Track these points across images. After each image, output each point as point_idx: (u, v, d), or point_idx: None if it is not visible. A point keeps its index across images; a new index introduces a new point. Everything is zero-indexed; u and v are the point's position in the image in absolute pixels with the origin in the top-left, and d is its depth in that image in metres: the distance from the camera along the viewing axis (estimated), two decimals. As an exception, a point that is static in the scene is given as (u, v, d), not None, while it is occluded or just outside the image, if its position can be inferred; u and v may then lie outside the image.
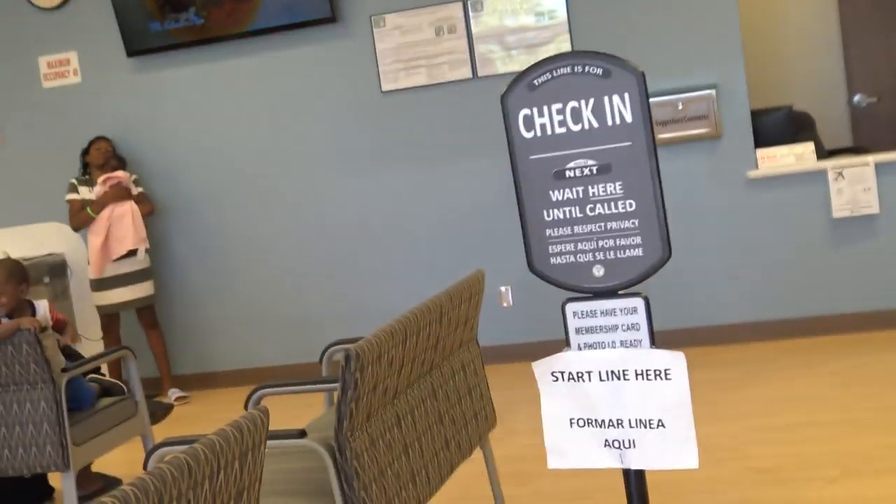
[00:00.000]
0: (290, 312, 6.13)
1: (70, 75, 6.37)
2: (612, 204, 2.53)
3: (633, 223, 2.52)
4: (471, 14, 5.67)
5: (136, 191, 6.01)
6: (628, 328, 2.57)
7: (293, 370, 5.91)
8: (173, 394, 6.09)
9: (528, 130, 2.57)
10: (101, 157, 5.98)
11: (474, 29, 5.67)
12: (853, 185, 5.27)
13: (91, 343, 6.10)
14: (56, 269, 6.32)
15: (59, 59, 6.36)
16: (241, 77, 6.07)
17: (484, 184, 5.86)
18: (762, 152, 5.90)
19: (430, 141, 5.83)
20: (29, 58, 6.42)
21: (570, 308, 2.63)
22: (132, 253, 5.87)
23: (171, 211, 6.25)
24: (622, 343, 2.57)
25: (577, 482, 3.90)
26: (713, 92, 5.76)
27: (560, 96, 2.55)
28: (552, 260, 2.61)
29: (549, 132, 2.55)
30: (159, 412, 5.53)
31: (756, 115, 6.08)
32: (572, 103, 2.53)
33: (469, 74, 5.75)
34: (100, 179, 5.96)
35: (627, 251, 2.54)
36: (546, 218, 2.59)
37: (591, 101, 2.52)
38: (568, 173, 2.55)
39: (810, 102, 6.90)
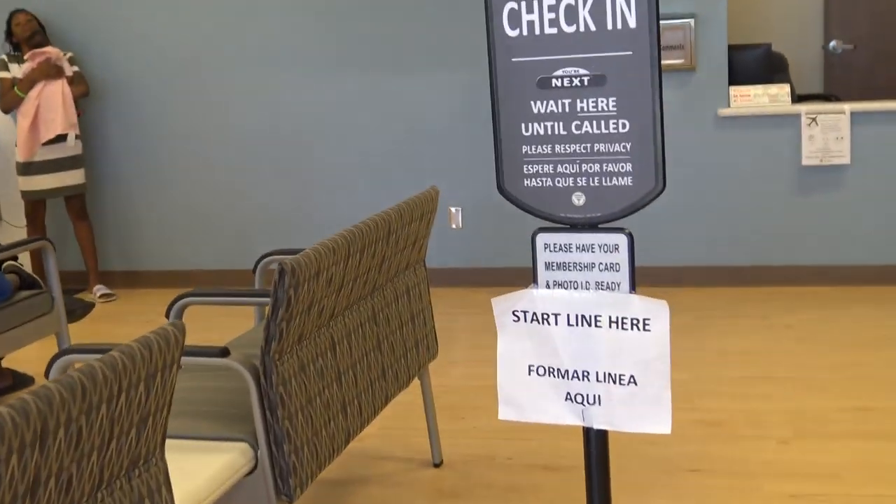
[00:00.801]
0: (229, 215, 5.66)
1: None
2: (603, 122, 2.11)
3: (625, 147, 2.09)
4: None
5: (69, 70, 5.40)
6: (607, 268, 2.16)
7: (226, 277, 5.47)
8: (98, 290, 5.62)
9: (512, 28, 2.12)
10: (24, 30, 5.31)
11: None
12: (826, 132, 4.96)
13: (14, 230, 5.61)
14: (-19, 151, 5.80)
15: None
16: None
17: (447, 96, 5.45)
18: (735, 90, 5.53)
19: (393, 44, 5.35)
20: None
21: (541, 239, 2.20)
22: (61, 138, 5.32)
23: (107, 95, 5.65)
24: (598, 285, 2.16)
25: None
26: (691, 21, 5.36)
27: None
28: (526, 182, 2.18)
29: (536, 31, 2.11)
30: (79, 310, 5.09)
31: (732, 51, 5.71)
32: (567, 0, 2.11)
33: None
34: (27, 55, 5.36)
35: (614, 179, 2.12)
36: (524, 133, 2.16)
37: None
38: (554, 82, 2.11)
39: (785, 44, 6.45)
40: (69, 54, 5.44)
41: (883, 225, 5.04)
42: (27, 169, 5.35)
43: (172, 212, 5.74)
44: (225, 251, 5.66)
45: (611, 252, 2.21)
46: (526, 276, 2.25)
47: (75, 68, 5.45)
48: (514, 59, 2.16)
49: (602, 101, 2.11)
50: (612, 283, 2.19)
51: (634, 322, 2.13)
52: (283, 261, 2.76)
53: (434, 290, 5.07)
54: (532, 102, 2.16)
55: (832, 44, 6.46)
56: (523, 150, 2.19)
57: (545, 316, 2.24)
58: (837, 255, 5.18)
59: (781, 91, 5.33)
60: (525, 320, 2.25)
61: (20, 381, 4.59)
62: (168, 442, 2.21)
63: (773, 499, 3.18)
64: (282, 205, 5.56)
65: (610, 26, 2.08)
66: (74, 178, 5.39)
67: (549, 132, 2.16)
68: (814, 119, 4.94)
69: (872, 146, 4.99)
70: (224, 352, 2.85)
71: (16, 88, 5.26)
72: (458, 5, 5.21)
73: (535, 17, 2.13)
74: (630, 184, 2.13)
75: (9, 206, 5.66)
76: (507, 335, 2.26)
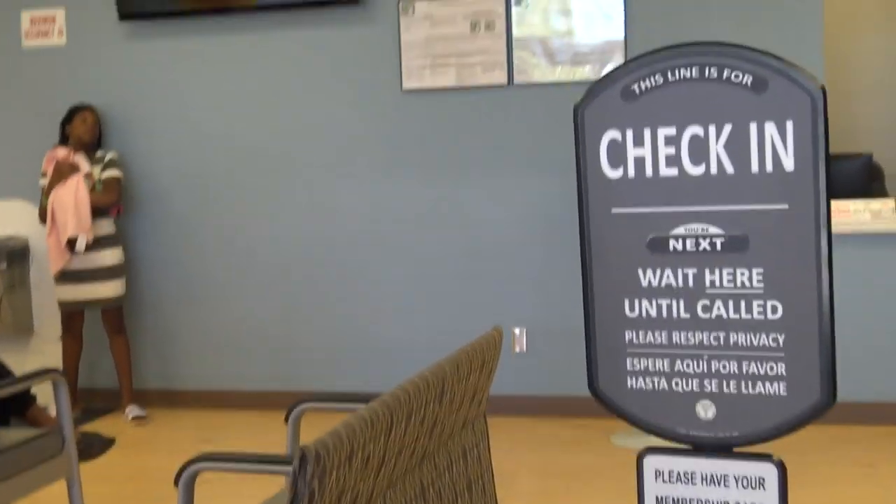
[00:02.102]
0: (273, 333, 5.01)
1: (54, 35, 5.13)
2: (744, 304, 1.43)
3: (776, 340, 1.41)
4: (513, 8, 4.64)
5: (87, 167, 4.77)
6: None
7: (269, 399, 4.77)
8: (130, 412, 4.93)
9: (614, 166, 1.46)
10: (86, 128, 4.76)
11: (515, 28, 4.65)
12: None
13: (48, 344, 5.07)
14: (15, 255, 5.17)
15: (44, 15, 5.11)
16: (243, 57, 4.99)
17: (508, 208, 4.79)
18: (833, 205, 4.78)
19: (451, 153, 4.71)
20: (9, 12, 5.12)
21: (651, 463, 1.48)
22: (73, 243, 4.61)
23: (150, 201, 5.06)
24: None
25: None
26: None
27: (674, 115, 1.44)
28: (630, 382, 1.49)
29: (648, 173, 1.45)
30: (96, 446, 4.40)
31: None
32: (693, 129, 1.42)
33: (504, 80, 4.69)
34: (48, 159, 4.77)
35: (759, 385, 1.42)
36: (628, 313, 1.48)
37: (728, 127, 1.41)
38: (673, 244, 1.44)
39: (880, 152, 5.50)
40: (110, 156, 4.81)
41: None
42: (64, 277, 4.76)
43: (212, 328, 5.07)
44: (266, 372, 4.98)
45: (753, 488, 1.49)
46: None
47: (113, 172, 4.82)
48: (615, 210, 1.47)
49: (743, 274, 1.42)
50: None
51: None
52: (306, 447, 2.09)
53: (494, 419, 4.37)
54: (641, 271, 1.47)
55: None
56: (627, 338, 1.49)
57: (657, 571, 1.54)
58: None
59: (885, 206, 4.48)
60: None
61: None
62: None
63: None
64: (328, 325, 4.85)
65: (756, 168, 1.40)
66: (111, 289, 4.77)
67: (666, 314, 1.47)
68: None
69: None
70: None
71: (42, 196, 4.73)
72: (528, 112, 4.58)
73: (646, 151, 1.45)
74: (783, 393, 1.42)
75: (42, 317, 5.15)
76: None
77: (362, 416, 2.18)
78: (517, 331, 4.87)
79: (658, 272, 1.46)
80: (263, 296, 5.01)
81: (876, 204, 4.65)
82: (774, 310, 1.41)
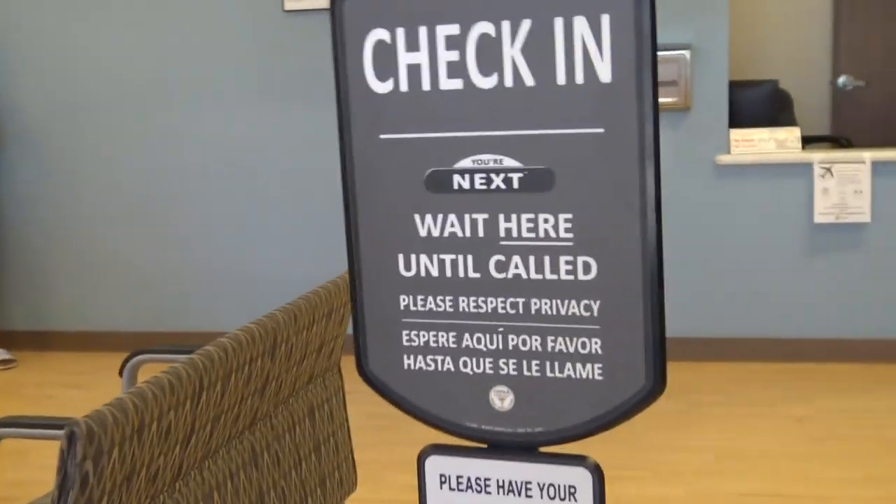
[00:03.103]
0: (148, 271, 4.63)
1: None
2: (549, 260, 1.04)
3: (589, 308, 1.03)
4: None
5: None
6: None
7: (144, 339, 4.20)
8: None
9: (382, 78, 1.06)
10: None
11: None
12: (843, 185, 3.96)
13: None
14: None
15: None
16: None
17: None
18: (737, 133, 4.43)
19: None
20: None
21: (435, 465, 1.10)
22: None
23: (16, 134, 4.61)
24: None
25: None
26: (686, 54, 4.36)
27: (458, 8, 1.03)
28: (406, 361, 1.10)
29: (425, 86, 1.05)
30: None
31: (732, 88, 4.66)
32: (482, 26, 1.02)
33: None
34: None
35: (569, 367, 1.04)
36: (403, 272, 1.09)
37: (527, 24, 1.01)
38: (459, 181, 1.05)
39: (788, 80, 5.17)
40: None
41: None
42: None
43: (86, 266, 4.65)
44: (141, 309, 4.62)
45: (562, 499, 1.09)
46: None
47: None
48: (384, 137, 1.07)
49: (547, 221, 1.04)
50: None
51: None
52: (76, 422, 1.70)
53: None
54: (418, 217, 1.08)
55: (841, 79, 5.38)
56: (402, 303, 1.10)
57: None
58: (857, 327, 4.12)
59: (791, 135, 4.13)
60: None
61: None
62: None
63: None
64: (206, 258, 4.50)
65: (563, 79, 1.01)
66: None
67: (450, 273, 1.08)
68: (828, 169, 3.94)
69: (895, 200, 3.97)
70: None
71: None
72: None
73: (422, 57, 1.05)
74: (598, 377, 1.04)
75: None
76: None
77: (160, 381, 1.79)
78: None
79: (439, 218, 1.07)
80: (136, 231, 4.61)
81: (781, 133, 4.34)
82: (587, 268, 1.03)
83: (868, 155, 4.06)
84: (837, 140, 5.26)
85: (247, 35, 4.27)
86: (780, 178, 4.25)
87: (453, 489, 1.13)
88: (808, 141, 5.03)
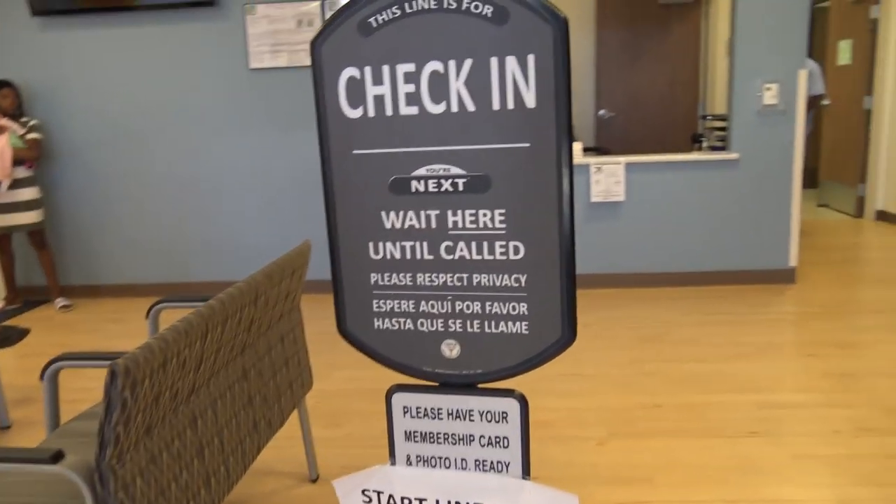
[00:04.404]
0: (163, 241, 6.06)
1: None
2: (486, 245, 1.16)
3: (518, 281, 1.16)
4: (327, 12, 5.54)
5: (30, 136, 5.58)
6: (490, 443, 1.20)
7: (164, 288, 5.97)
8: (59, 302, 5.85)
9: (353, 105, 1.16)
10: (8, 102, 5.62)
11: None
12: (608, 178, 5.49)
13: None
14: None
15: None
16: (130, 44, 6.03)
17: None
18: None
19: (285, 113, 5.75)
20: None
21: (399, 400, 1.24)
22: None
23: (66, 154, 6.08)
24: (479, 464, 1.20)
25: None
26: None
27: (413, 50, 1.11)
28: (377, 323, 1.22)
29: (388, 111, 1.15)
30: (14, 336, 4.67)
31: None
32: (433, 65, 1.12)
33: None
34: None
35: (502, 324, 1.18)
36: (372, 255, 1.20)
37: (469, 63, 1.10)
38: (416, 186, 1.17)
39: (574, 112, 6.36)
40: (34, 121, 5.50)
41: (650, 242, 5.27)
42: (-7, 208, 4.56)
43: (122, 238, 6.05)
44: (161, 267, 6.00)
45: (496, 422, 1.20)
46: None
47: (35, 135, 5.54)
48: (356, 152, 1.17)
49: (485, 215, 1.15)
50: (498, 462, 1.20)
51: (530, 512, 1.12)
52: (115, 363, 1.88)
53: (319, 296, 4.56)
54: (384, 213, 1.19)
55: (601, 112, 7.24)
56: (372, 280, 1.21)
57: (405, 501, 1.27)
58: (617, 265, 5.23)
59: (576, 147, 5.10)
60: (378, 503, 1.44)
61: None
62: None
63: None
64: (202, 234, 5.91)
65: (497, 105, 1.11)
66: (33, 217, 5.69)
67: (409, 256, 1.19)
68: (599, 168, 5.35)
69: (639, 187, 5.26)
70: (56, 457, 1.99)
71: None
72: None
73: (385, 89, 1.14)
74: (525, 332, 1.16)
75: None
76: (356, 521, 1.43)
77: (177, 327, 1.98)
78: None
79: (401, 214, 1.17)
80: (157, 215, 5.89)
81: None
82: (517, 250, 1.15)
83: (622, 159, 5.11)
84: (602, 150, 6.44)
85: (225, 85, 5.42)
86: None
87: (413, 417, 1.20)
88: (585, 151, 6.02)
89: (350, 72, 1.09)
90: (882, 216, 5.77)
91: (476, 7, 1.07)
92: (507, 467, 1.18)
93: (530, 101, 1.08)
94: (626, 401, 3.38)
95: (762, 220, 4.77)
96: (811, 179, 7.43)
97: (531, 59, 1.06)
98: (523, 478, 1.19)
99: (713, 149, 5.04)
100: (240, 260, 5.59)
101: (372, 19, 1.07)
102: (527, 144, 1.09)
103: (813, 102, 5.24)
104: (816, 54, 6.99)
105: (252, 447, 2.57)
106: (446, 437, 1.19)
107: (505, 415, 1.17)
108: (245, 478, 3.09)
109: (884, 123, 5.47)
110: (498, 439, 1.17)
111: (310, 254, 2.74)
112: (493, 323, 1.15)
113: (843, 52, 5.84)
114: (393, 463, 1.21)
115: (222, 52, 5.85)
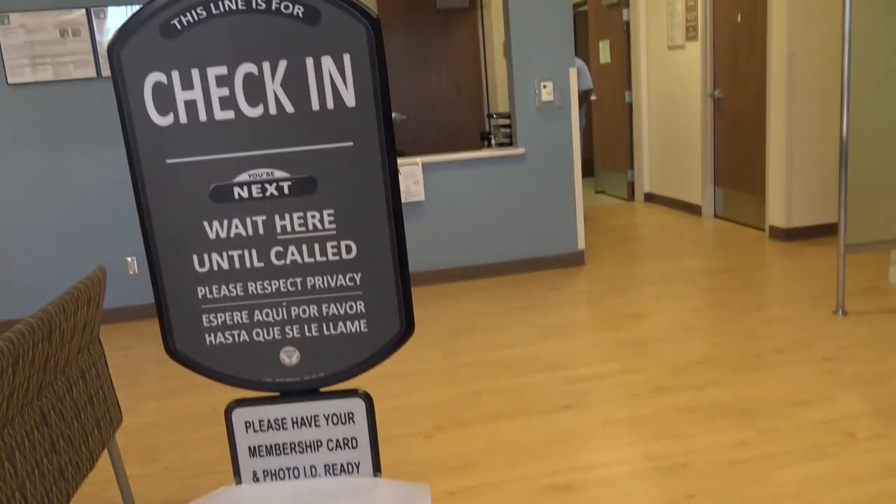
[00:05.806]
0: None
1: None
2: (317, 247, 1.12)
3: (353, 280, 1.13)
4: (94, 19, 5.13)
5: None
6: (339, 445, 1.17)
7: None
8: None
9: (162, 112, 1.07)
10: None
11: (97, 34, 4.81)
12: (407, 178, 5.25)
13: None
14: None
15: None
16: None
17: (109, 168, 4.96)
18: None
19: (56, 133, 5.05)
20: None
21: (240, 416, 1.16)
22: None
23: None
24: (329, 469, 1.17)
25: (207, 452, 2.88)
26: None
27: (224, 53, 1.05)
28: (208, 338, 1.14)
29: (202, 118, 1.08)
30: None
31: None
32: (247, 67, 1.06)
33: (94, 74, 4.90)
34: None
35: (341, 325, 1.15)
36: (198, 268, 1.12)
37: (283, 64, 1.06)
38: (239, 192, 1.10)
39: None
40: None
41: (452, 238, 5.26)
42: None
43: None
44: None
45: (343, 424, 1.16)
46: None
47: None
48: (170, 161, 1.09)
49: (314, 217, 1.12)
50: (348, 463, 1.17)
51: (383, 510, 1.29)
52: None
53: (117, 325, 4.29)
54: (206, 224, 1.11)
55: (393, 115, 6.67)
56: (200, 294, 1.13)
57: (256, 519, 1.32)
58: (423, 263, 5.15)
59: None
60: (227, 526, 1.33)
61: None
62: None
63: (442, 499, 2.66)
64: None
65: (317, 106, 1.08)
66: None
67: (239, 266, 1.12)
68: (398, 170, 5.45)
69: (437, 186, 5.23)
70: None
71: None
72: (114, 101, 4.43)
73: (196, 94, 1.07)
74: (364, 330, 1.14)
75: None
76: (203, 549, 1.33)
77: None
78: (129, 259, 4.97)
79: (225, 223, 1.11)
80: None
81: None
82: (349, 249, 1.13)
83: (419, 159, 5.07)
84: (402, 153, 6.41)
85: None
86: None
87: (257, 431, 1.14)
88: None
89: (156, 77, 1.00)
90: (649, 197, 6.22)
91: (286, 7, 1.02)
92: (357, 468, 1.14)
93: (350, 100, 1.03)
94: (447, 393, 3.41)
95: (551, 209, 4.91)
96: (589, 168, 7.81)
97: (347, 58, 1.01)
98: (374, 475, 1.14)
99: (501, 145, 5.14)
100: (30, 296, 5.08)
101: (175, 21, 0.99)
102: (350, 143, 1.05)
103: (584, 97, 5.48)
104: (581, 54, 7.42)
105: (61, 497, 2.36)
106: (293, 446, 1.13)
107: (351, 415, 1.13)
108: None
109: (643, 115, 5.89)
110: (346, 441, 1.12)
111: (106, 280, 2.52)
112: (331, 325, 1.10)
113: (604, 52, 6.21)
114: (239, 482, 1.13)
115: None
